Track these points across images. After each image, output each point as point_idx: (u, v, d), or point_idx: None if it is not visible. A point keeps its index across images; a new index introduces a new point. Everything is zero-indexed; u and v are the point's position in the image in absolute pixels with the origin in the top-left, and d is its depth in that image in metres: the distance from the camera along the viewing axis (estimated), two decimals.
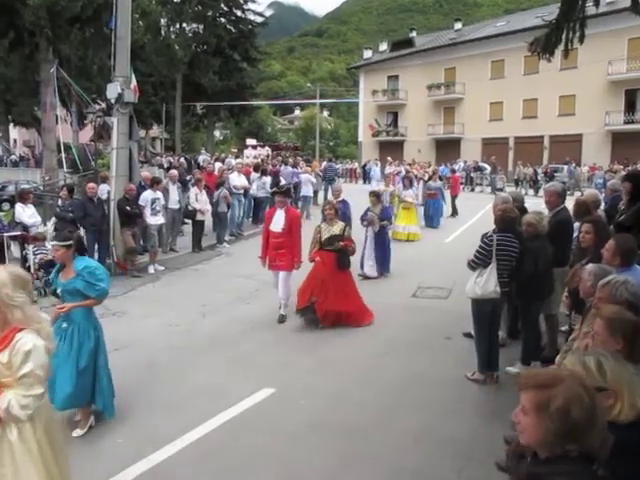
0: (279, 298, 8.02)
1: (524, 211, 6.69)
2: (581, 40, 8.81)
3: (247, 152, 36.92)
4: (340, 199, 10.48)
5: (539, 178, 29.25)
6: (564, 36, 8.90)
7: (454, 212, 19.19)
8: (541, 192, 25.13)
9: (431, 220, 16.77)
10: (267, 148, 38.90)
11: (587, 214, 6.36)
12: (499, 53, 40.13)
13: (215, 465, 4.38)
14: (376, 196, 10.51)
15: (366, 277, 10.28)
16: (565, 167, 30.82)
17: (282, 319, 7.92)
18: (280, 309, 8.02)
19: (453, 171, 23.56)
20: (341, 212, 9.26)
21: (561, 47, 9.06)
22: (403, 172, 23.34)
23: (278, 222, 7.90)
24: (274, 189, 11.78)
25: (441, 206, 17.15)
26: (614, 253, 4.41)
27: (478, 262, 5.74)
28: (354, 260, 8.69)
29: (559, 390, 1.80)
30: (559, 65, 31.56)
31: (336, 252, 7.67)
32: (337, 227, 7.82)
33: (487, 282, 5.63)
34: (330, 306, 7.45)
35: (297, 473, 4.26)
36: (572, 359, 2.73)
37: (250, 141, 47.17)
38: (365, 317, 7.80)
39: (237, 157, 32.46)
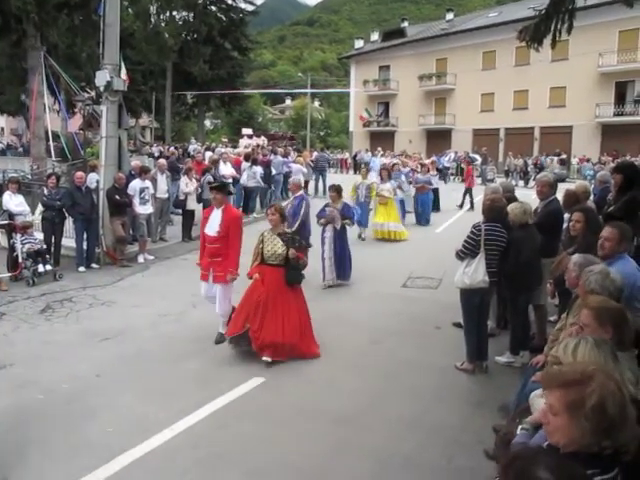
0: (217, 315, 6.84)
1: (515, 201, 6.71)
2: (569, 30, 8.82)
3: (243, 141, 36.43)
4: (298, 194, 9.36)
5: (529, 169, 29.38)
6: (553, 26, 8.91)
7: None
8: (531, 183, 25.34)
9: (419, 217, 15.63)
10: (263, 137, 38.46)
11: (576, 204, 6.41)
12: (491, 44, 40.09)
13: (205, 453, 4.38)
14: (337, 191, 9.39)
15: (330, 286, 9.14)
16: (555, 159, 30.96)
17: (220, 338, 6.67)
18: (219, 328, 6.81)
19: (468, 162, 22.81)
20: (293, 211, 8.79)
21: (549, 37, 9.08)
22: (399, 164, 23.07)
23: (213, 224, 6.64)
24: (211, 183, 9.66)
25: (430, 200, 16.01)
26: (619, 240, 4.42)
27: (466, 252, 5.76)
28: (314, 269, 8.41)
29: (592, 387, 1.75)
30: (550, 57, 31.63)
31: (284, 266, 6.21)
32: (278, 244, 6.24)
33: (475, 272, 5.65)
34: (268, 336, 5.98)
35: (287, 460, 4.27)
36: (572, 343, 2.77)
37: (246, 130, 46.73)
38: (311, 349, 6.34)
39: (234, 147, 32.09)
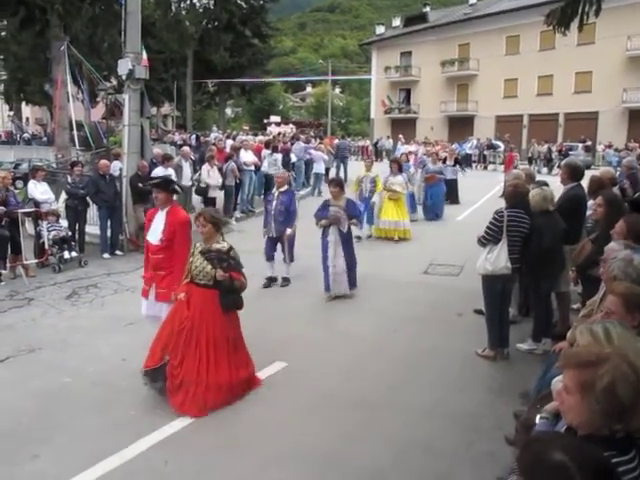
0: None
1: (546, 185, 6.62)
2: (597, 13, 8.63)
3: (270, 129, 36.16)
4: (285, 188, 8.57)
5: (553, 156, 28.92)
6: (580, 9, 8.73)
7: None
8: (555, 170, 24.97)
9: (429, 211, 14.09)
10: (291, 125, 38.21)
11: (601, 190, 6.29)
12: (514, 28, 39.41)
13: (226, 435, 4.46)
14: (339, 186, 8.02)
15: (336, 297, 7.87)
16: (580, 145, 30.43)
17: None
18: None
19: (511, 149, 22.13)
20: (283, 208, 8.28)
21: (577, 20, 8.90)
22: (421, 152, 21.88)
23: (156, 230, 5.56)
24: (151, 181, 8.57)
25: (441, 192, 14.37)
26: (624, 235, 4.37)
27: (488, 238, 5.72)
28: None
29: (605, 369, 1.75)
30: (576, 41, 31.02)
31: (216, 288, 4.88)
32: (206, 266, 4.89)
33: (498, 258, 5.61)
34: (188, 374, 4.78)
35: (307, 444, 4.32)
36: (580, 328, 2.74)
37: (274, 118, 46.64)
38: (249, 384, 5.17)
39: (255, 134, 31.90)
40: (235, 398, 4.95)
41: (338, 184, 8.10)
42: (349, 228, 7.88)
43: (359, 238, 10.84)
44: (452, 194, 16.06)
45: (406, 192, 12.09)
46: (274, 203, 8.42)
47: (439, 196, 14.29)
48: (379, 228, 11.73)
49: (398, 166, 12.03)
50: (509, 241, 5.61)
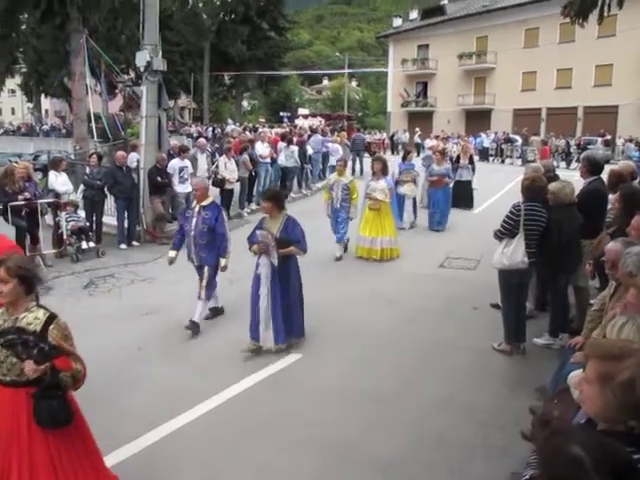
0: None
1: (556, 180, 6.57)
2: (620, 4, 8.49)
3: (298, 122, 35.53)
4: (208, 202, 6.58)
5: (572, 150, 28.59)
6: (600, 0, 8.61)
7: None
8: (573, 164, 24.70)
9: (432, 220, 12.13)
10: (319, 118, 37.72)
11: (621, 185, 6.21)
12: (533, 21, 38.88)
13: (242, 425, 4.49)
14: (272, 199, 5.86)
15: (259, 348, 5.84)
16: (599, 139, 30.03)
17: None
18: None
19: (544, 142, 21.68)
20: (206, 228, 6.39)
21: (596, 12, 8.78)
22: (453, 148, 20.28)
23: None
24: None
25: (447, 198, 12.37)
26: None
27: (505, 232, 5.68)
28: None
29: (627, 364, 1.74)
30: (596, 33, 30.56)
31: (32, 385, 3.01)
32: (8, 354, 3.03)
33: (514, 252, 5.57)
34: None
35: (321, 436, 4.34)
36: (621, 321, 2.71)
37: (302, 111, 46.32)
38: None
39: (271, 127, 31.72)
40: None
41: (272, 197, 5.91)
42: (294, 260, 5.95)
43: (338, 258, 9.70)
44: (465, 198, 14.28)
45: (392, 199, 10.10)
46: (193, 221, 6.46)
47: (445, 202, 12.30)
48: (357, 246, 9.79)
49: (382, 167, 9.71)
50: (526, 235, 5.57)
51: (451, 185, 12.80)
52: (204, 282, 6.54)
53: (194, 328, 6.39)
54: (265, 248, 5.66)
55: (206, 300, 6.60)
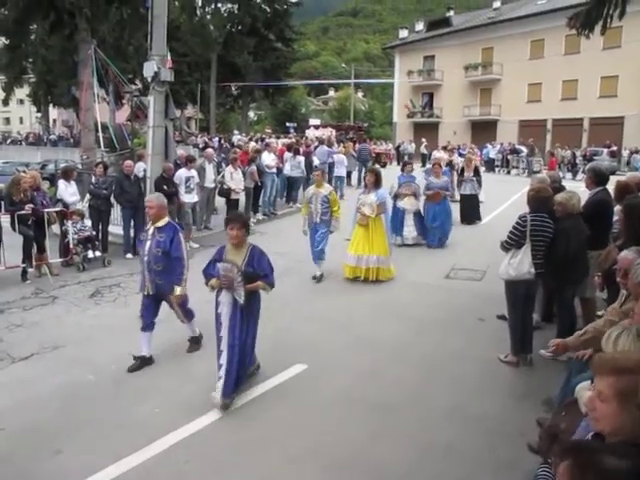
0: None
1: (562, 191, 6.55)
2: (621, 16, 8.54)
3: (309, 132, 35.30)
4: (161, 223, 5.84)
5: (577, 162, 28.56)
6: (604, 12, 8.65)
7: None
8: (579, 175, 24.67)
9: (431, 236, 11.33)
10: (330, 128, 37.63)
11: (628, 196, 6.19)
12: (539, 32, 39.03)
13: (247, 436, 4.47)
14: (237, 223, 5.04)
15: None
16: (605, 150, 30.00)
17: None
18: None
19: (552, 154, 21.24)
20: (161, 250, 5.66)
21: (601, 24, 8.82)
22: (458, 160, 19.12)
23: None
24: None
25: (447, 213, 11.58)
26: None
27: (511, 243, 5.66)
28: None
29: None
30: (602, 45, 30.62)
31: None
32: None
33: (521, 263, 5.56)
34: None
35: (328, 446, 4.31)
36: (617, 332, 2.70)
37: (313, 121, 46.43)
38: None
39: (278, 137, 31.70)
40: None
41: (243, 223, 5.08)
42: (258, 295, 5.16)
43: (319, 278, 8.95)
44: (470, 213, 13.77)
45: (386, 215, 9.19)
46: (147, 244, 5.75)
47: (445, 218, 11.50)
48: (344, 265, 8.95)
49: (375, 179, 8.89)
50: (532, 246, 5.56)
51: (450, 199, 12.33)
52: (180, 316, 6.14)
53: (194, 344, 6.28)
54: (228, 284, 4.90)
55: (189, 319, 6.24)
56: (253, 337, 5.19)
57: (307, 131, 36.80)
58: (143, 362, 5.82)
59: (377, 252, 8.72)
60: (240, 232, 4.99)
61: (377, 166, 16.39)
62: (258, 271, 5.02)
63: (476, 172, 14.59)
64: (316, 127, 39.33)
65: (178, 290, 5.76)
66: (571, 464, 1.50)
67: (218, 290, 5.08)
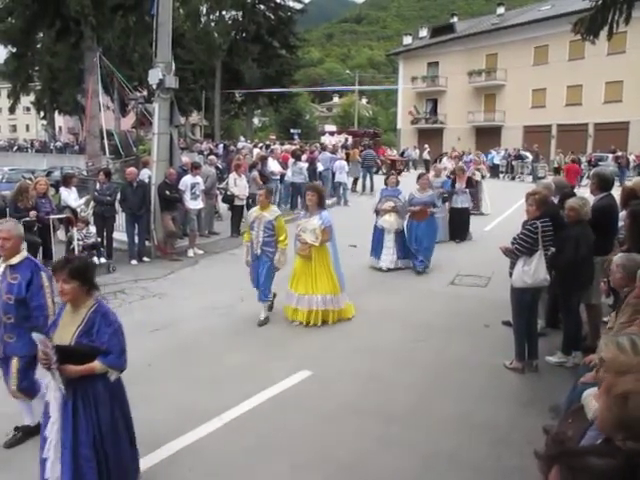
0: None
1: (572, 197, 6.53)
2: (626, 21, 8.54)
3: (324, 139, 35.02)
4: (15, 260, 4.22)
5: (582, 167, 28.45)
6: (610, 17, 8.66)
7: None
8: (584, 181, 24.56)
9: (413, 257, 9.83)
10: (345, 134, 37.52)
11: (633, 201, 6.17)
12: (543, 38, 39.03)
13: (251, 444, 4.45)
14: (82, 275, 3.49)
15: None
16: (610, 155, 29.90)
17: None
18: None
19: (573, 161, 19.97)
20: (13, 297, 4.11)
21: (606, 29, 8.83)
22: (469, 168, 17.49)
23: None
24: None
25: (433, 232, 10.16)
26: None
27: (523, 250, 5.60)
28: None
29: (626, 378, 1.74)
30: (606, 50, 30.56)
31: None
32: None
33: (537, 270, 5.51)
34: None
35: (332, 454, 4.29)
36: (605, 340, 2.68)
37: (328, 127, 46.35)
38: None
39: (282, 144, 31.62)
40: None
41: (61, 268, 3.42)
42: (109, 383, 3.60)
43: (262, 322, 7.30)
44: (460, 228, 12.53)
45: (332, 242, 7.34)
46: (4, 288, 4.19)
47: (430, 237, 9.99)
48: (284, 305, 7.44)
49: (318, 199, 7.24)
50: (544, 252, 5.53)
51: (438, 216, 10.91)
52: (12, 385, 4.28)
53: (16, 438, 4.39)
54: (47, 362, 3.26)
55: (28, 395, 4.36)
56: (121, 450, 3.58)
57: (322, 137, 36.70)
58: (25, 434, 4.44)
59: (322, 291, 7.10)
60: (72, 284, 3.36)
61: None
62: (98, 345, 3.41)
63: (469, 183, 13.38)
64: (332, 133, 39.24)
65: (38, 338, 3.31)
66: (561, 468, 1.51)
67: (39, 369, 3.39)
